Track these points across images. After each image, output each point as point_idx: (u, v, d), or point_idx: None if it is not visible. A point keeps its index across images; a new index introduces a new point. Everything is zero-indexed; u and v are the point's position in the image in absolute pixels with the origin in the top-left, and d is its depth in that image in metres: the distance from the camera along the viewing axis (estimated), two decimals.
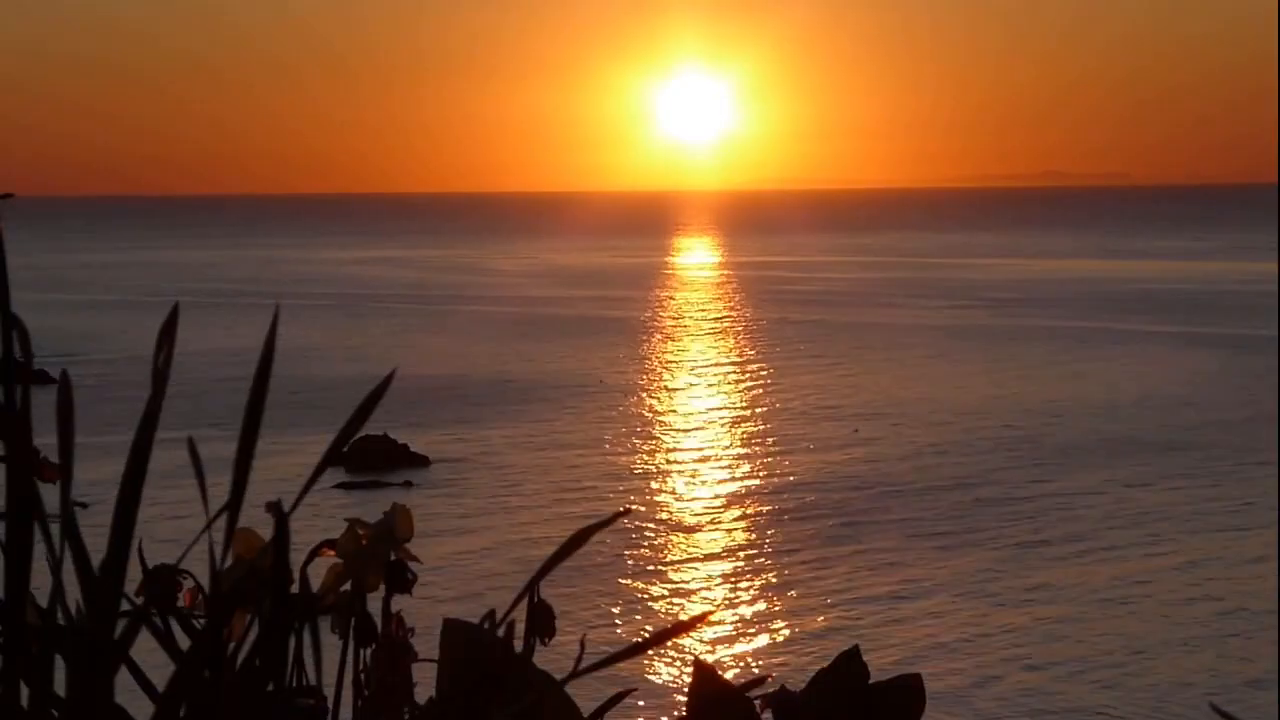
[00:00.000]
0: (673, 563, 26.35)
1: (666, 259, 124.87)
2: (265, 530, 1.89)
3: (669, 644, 16.44)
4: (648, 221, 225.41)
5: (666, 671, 19.71)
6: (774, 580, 25.31)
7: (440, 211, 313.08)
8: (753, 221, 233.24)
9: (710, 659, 17.40)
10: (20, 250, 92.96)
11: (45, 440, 1.82)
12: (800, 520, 29.18)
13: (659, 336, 62.83)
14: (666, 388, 47.51)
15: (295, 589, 1.93)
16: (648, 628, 22.31)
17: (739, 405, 43.96)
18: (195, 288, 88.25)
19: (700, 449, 36.81)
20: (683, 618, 20.79)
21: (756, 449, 36.72)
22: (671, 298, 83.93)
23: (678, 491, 31.95)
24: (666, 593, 24.56)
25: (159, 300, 74.81)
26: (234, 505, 1.73)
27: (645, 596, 24.16)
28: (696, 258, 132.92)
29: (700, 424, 40.61)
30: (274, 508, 1.70)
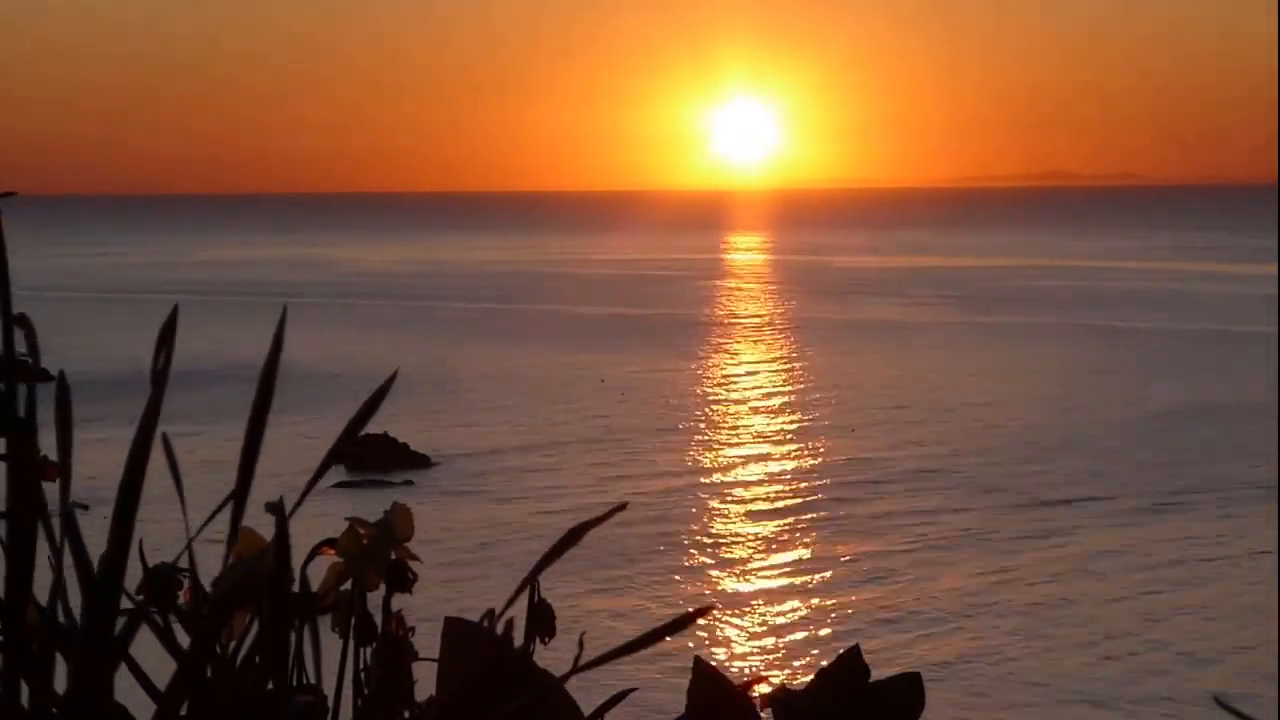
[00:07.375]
0: (670, 561, 26.35)
1: (672, 258, 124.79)
2: (264, 528, 1.89)
3: (668, 642, 16.46)
4: (684, 220, 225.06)
5: (667, 670, 19.71)
6: (775, 577, 25.32)
7: (515, 207, 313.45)
8: (774, 218, 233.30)
9: (710, 657, 17.40)
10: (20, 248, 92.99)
11: (46, 439, 1.82)
12: (801, 518, 29.18)
13: (657, 334, 62.80)
14: (665, 386, 47.49)
15: (295, 588, 1.93)
16: (646, 625, 22.29)
17: (738, 402, 43.96)
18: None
19: (699, 447, 36.80)
20: (680, 614, 20.75)
21: (756, 445, 36.72)
22: (673, 296, 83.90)
23: (677, 489, 31.95)
24: (665, 590, 24.56)
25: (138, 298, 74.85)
26: (239, 501, 1.73)
27: (644, 593, 24.16)
28: (714, 253, 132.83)
29: (699, 422, 40.60)
30: (275, 508, 1.70)
